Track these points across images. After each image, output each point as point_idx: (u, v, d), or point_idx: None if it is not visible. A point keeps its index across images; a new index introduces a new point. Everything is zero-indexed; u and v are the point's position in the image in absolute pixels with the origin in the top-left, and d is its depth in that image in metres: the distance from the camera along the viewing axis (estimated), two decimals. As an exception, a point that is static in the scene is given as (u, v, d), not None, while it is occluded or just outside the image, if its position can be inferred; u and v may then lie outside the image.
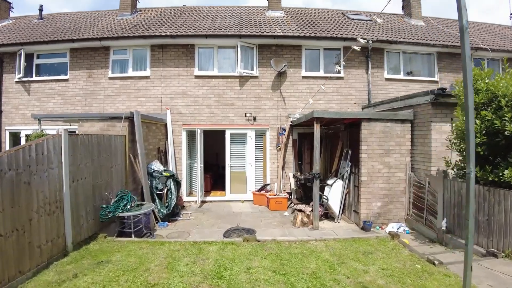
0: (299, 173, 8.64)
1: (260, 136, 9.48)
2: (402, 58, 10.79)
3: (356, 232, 6.61)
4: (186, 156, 9.54)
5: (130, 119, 6.58)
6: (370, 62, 10.19)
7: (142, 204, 5.70)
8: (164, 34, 9.28)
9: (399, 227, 6.84)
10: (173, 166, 8.93)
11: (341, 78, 9.95)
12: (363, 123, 6.92)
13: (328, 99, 9.77)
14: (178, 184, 7.65)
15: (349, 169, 7.37)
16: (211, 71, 9.51)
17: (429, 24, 13.44)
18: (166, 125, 9.13)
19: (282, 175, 9.18)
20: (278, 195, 8.47)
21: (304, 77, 9.69)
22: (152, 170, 7.39)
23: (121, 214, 5.18)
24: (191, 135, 9.82)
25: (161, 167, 7.61)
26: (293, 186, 9.18)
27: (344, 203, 7.57)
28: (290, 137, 9.39)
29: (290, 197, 8.85)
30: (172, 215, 7.42)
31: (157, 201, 7.07)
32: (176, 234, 6.29)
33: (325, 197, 7.31)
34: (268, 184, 9.15)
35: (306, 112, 9.35)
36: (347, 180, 7.47)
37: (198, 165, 8.61)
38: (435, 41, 10.77)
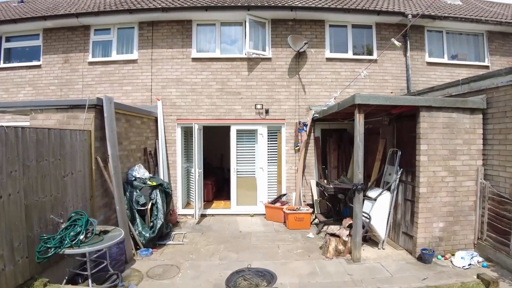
0: (325, 181, 6.73)
1: (273, 134, 7.58)
2: (445, 39, 8.80)
3: (413, 266, 4.67)
4: (182, 158, 7.71)
5: (97, 108, 4.76)
6: (408, 42, 8.23)
7: (107, 231, 3.86)
8: (154, 7, 7.47)
9: (472, 257, 4.87)
10: (164, 172, 7.09)
11: (374, 61, 7.99)
12: (422, 113, 4.97)
13: (359, 87, 7.82)
14: (167, 196, 5.80)
15: (399, 176, 5.42)
16: (213, 52, 7.66)
17: (468, 3, 11.36)
18: (156, 119, 7.31)
19: (302, 183, 7.26)
20: (298, 210, 6.55)
21: (328, 59, 7.76)
22: (133, 178, 5.56)
23: (68, 252, 3.34)
24: (188, 132, 7.99)
25: (146, 174, 5.78)
26: (316, 197, 7.26)
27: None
28: (312, 134, 7.47)
29: (313, 210, 6.92)
30: (160, 237, 5.58)
31: (137, 220, 5.23)
32: (160, 270, 4.44)
33: (367, 215, 5.38)
34: (285, 195, 7.23)
35: (331, 102, 7.44)
36: (395, 192, 5.53)
37: (196, 170, 6.75)
38: (487, 17, 8.76)
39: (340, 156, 7.47)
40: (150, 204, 5.38)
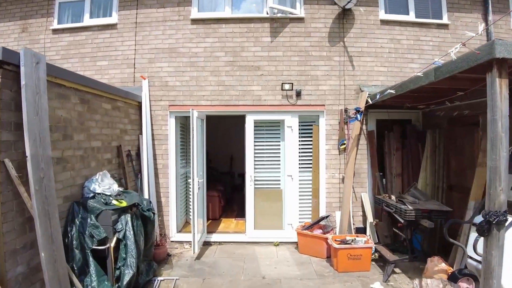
0: (392, 197, 4.42)
1: (308, 127, 5.31)
2: (533, 0, 6.44)
3: None
4: (178, 161, 5.51)
5: (7, 69, 2.59)
6: (490, 2, 5.91)
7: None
8: (140, -50, 5.33)
9: None
10: (151, 181, 4.90)
11: (445, 26, 5.71)
12: None
13: (426, 61, 5.52)
14: (148, 222, 3.60)
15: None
16: (221, 11, 5.43)
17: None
18: (139, 106, 5.14)
19: (351, 198, 4.96)
20: (354, 242, 4.25)
21: (384, 22, 5.48)
22: (91, 194, 3.37)
23: None
24: (186, 125, 5.81)
25: (114, 187, 3.58)
26: (370, 218, 4.96)
27: None
28: (364, 127, 5.19)
29: (368, 238, 4.58)
30: (134, 291, 3.38)
31: (91, 268, 3.03)
32: None
33: (476, 259, 3.07)
34: (327, 217, 4.92)
35: (389, 81, 5.21)
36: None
37: (194, 179, 4.53)
38: None
39: (404, 158, 5.17)
40: (114, 239, 3.18)
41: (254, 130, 5.19)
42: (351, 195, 4.97)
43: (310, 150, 5.25)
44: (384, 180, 5.17)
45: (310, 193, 5.25)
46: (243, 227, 5.60)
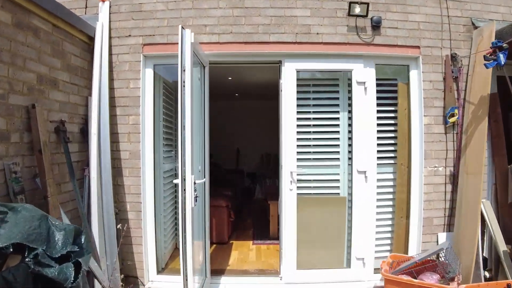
0: None
1: (389, 86, 3.12)
2: None
3: None
4: (159, 148, 3.20)
5: None
6: None
7: None
8: None
9: None
10: (105, 183, 2.61)
11: None
12: None
13: None
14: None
15: None
16: None
17: None
18: (90, 43, 2.85)
19: (479, 211, 2.76)
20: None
21: None
22: None
23: None
24: (174, 86, 3.50)
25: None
26: (502, 244, 2.77)
27: None
28: (482, 88, 3.02)
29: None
30: None
31: None
32: None
33: None
34: (445, 249, 2.66)
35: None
36: None
37: (189, 178, 2.26)
38: None
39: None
40: None
41: (298, 90, 2.91)
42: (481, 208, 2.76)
43: (391, 129, 3.05)
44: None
45: (391, 203, 3.04)
46: (270, 259, 3.36)
